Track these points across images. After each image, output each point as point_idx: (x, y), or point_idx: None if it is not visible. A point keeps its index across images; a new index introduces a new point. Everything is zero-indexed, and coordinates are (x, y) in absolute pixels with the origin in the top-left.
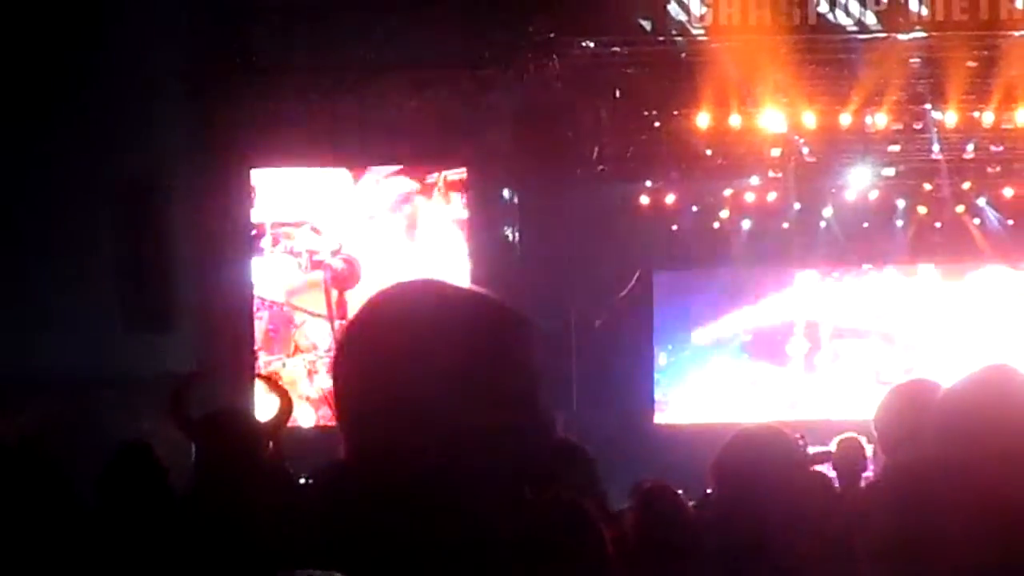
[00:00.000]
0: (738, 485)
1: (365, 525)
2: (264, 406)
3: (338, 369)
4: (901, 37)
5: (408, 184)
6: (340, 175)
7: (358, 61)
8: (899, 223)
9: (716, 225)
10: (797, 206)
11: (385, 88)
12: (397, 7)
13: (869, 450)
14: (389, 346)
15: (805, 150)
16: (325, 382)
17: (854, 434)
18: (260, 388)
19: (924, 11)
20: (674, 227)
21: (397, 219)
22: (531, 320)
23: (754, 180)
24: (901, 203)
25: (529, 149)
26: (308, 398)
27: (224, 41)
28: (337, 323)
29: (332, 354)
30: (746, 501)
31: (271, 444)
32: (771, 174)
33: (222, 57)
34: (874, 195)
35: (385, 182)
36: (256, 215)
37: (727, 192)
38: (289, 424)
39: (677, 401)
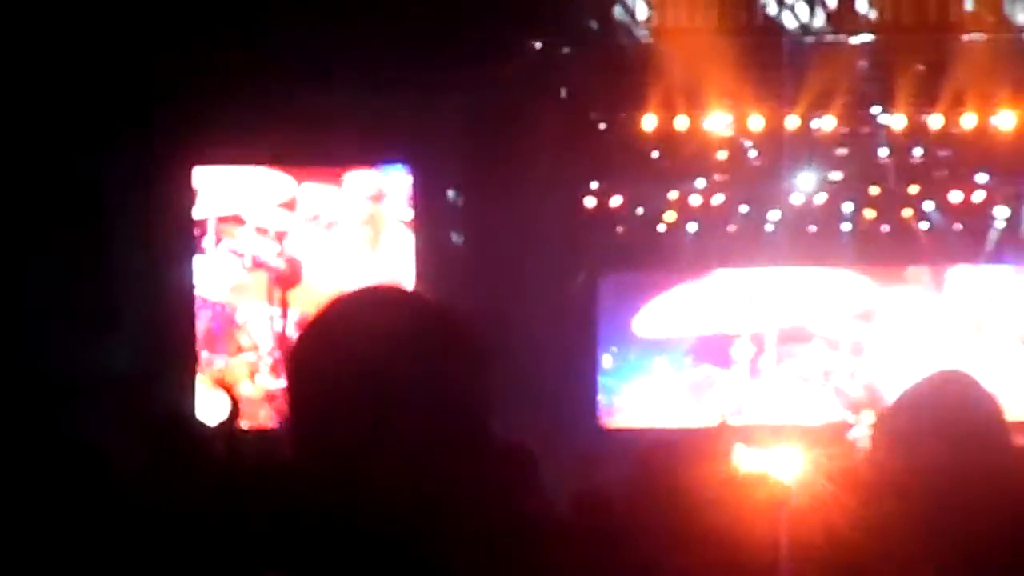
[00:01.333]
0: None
1: (319, 525)
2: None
3: (294, 372)
4: (848, 40)
5: (352, 183)
6: (283, 174)
7: (305, 60)
8: (846, 227)
9: (662, 228)
10: (743, 209)
11: (330, 87)
12: (344, 7)
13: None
14: (348, 352)
15: (752, 153)
16: (267, 382)
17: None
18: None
19: (872, 14)
20: (619, 229)
21: (340, 219)
22: (481, 328)
23: (700, 183)
24: (848, 207)
25: (475, 150)
26: (249, 398)
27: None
28: (279, 323)
29: (288, 356)
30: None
31: (224, 446)
32: (717, 177)
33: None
34: (821, 199)
35: (329, 182)
36: (198, 213)
37: (673, 195)
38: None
39: (621, 404)
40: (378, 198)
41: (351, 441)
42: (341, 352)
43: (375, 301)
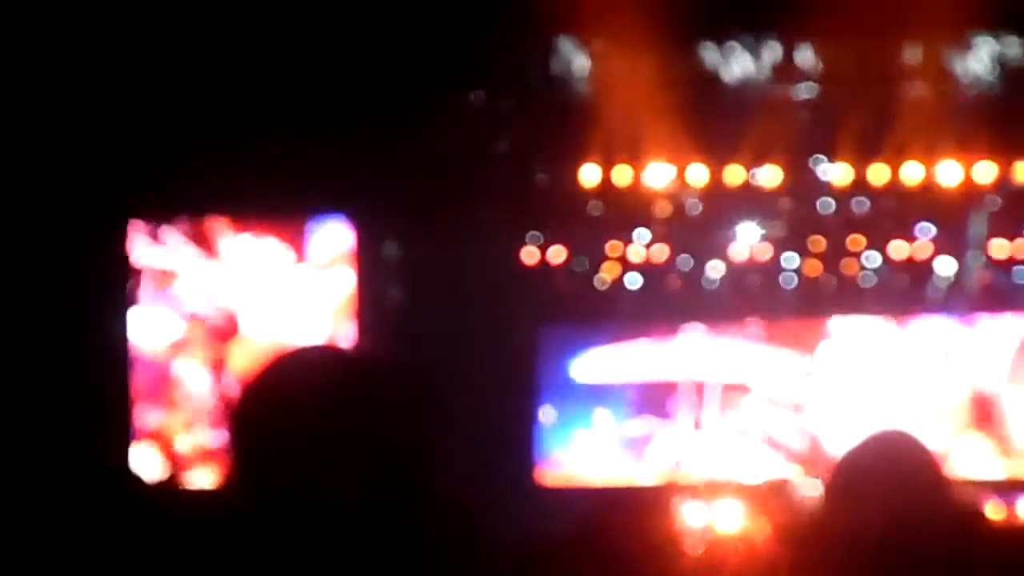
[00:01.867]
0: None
1: None
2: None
3: (237, 433)
4: (791, 91)
5: (290, 236)
6: (220, 226)
7: (241, 112)
8: (788, 279)
9: (602, 280)
10: (685, 262)
11: (267, 138)
12: (281, 57)
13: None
14: (288, 410)
15: (693, 205)
16: (203, 437)
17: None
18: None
19: (814, 65)
20: (559, 282)
21: (277, 270)
22: (421, 384)
23: (641, 236)
24: (790, 259)
25: (415, 201)
26: (185, 453)
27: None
28: (216, 376)
29: (230, 415)
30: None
31: (160, 502)
32: (658, 229)
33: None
34: (763, 251)
35: (267, 233)
36: (133, 266)
37: (614, 247)
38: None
39: (561, 458)
40: (317, 249)
41: (292, 495)
42: (282, 411)
43: (314, 360)
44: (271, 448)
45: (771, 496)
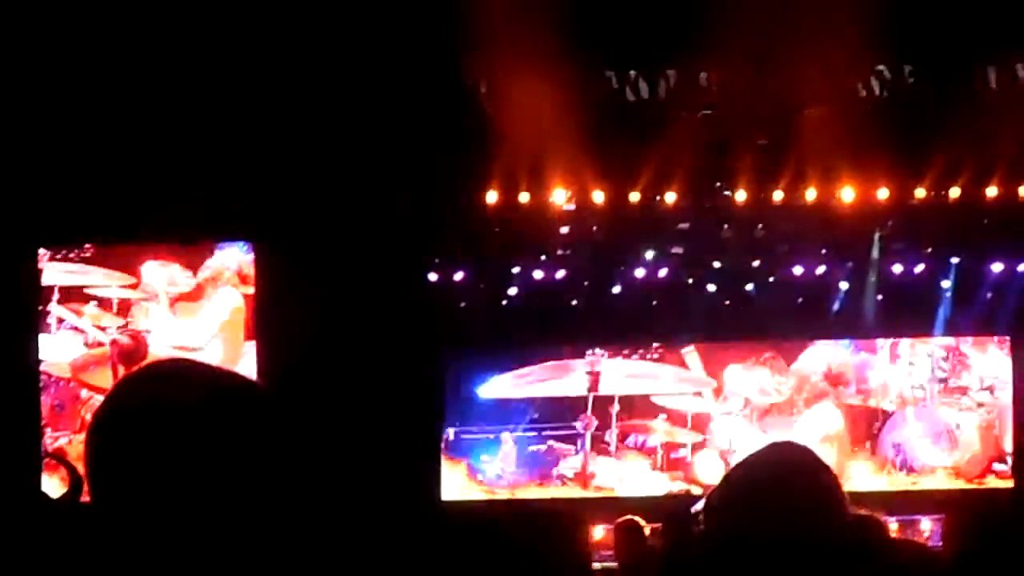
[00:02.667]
0: None
1: None
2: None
3: (89, 452)
4: (691, 116)
5: (195, 261)
6: (128, 250)
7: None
8: (689, 301)
9: (504, 303)
10: (586, 284)
11: (172, 164)
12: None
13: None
14: (138, 429)
15: (594, 228)
16: None
17: (632, 516)
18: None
19: (714, 91)
20: (463, 304)
21: (183, 295)
22: (285, 402)
23: (543, 258)
24: (691, 281)
25: (317, 226)
26: None
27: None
28: None
29: (86, 436)
30: None
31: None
32: (560, 252)
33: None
34: (663, 273)
35: (172, 258)
36: (42, 291)
37: (516, 270)
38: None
39: (464, 479)
40: (220, 274)
41: (149, 520)
42: (131, 429)
43: (165, 376)
44: (120, 471)
45: (670, 510)
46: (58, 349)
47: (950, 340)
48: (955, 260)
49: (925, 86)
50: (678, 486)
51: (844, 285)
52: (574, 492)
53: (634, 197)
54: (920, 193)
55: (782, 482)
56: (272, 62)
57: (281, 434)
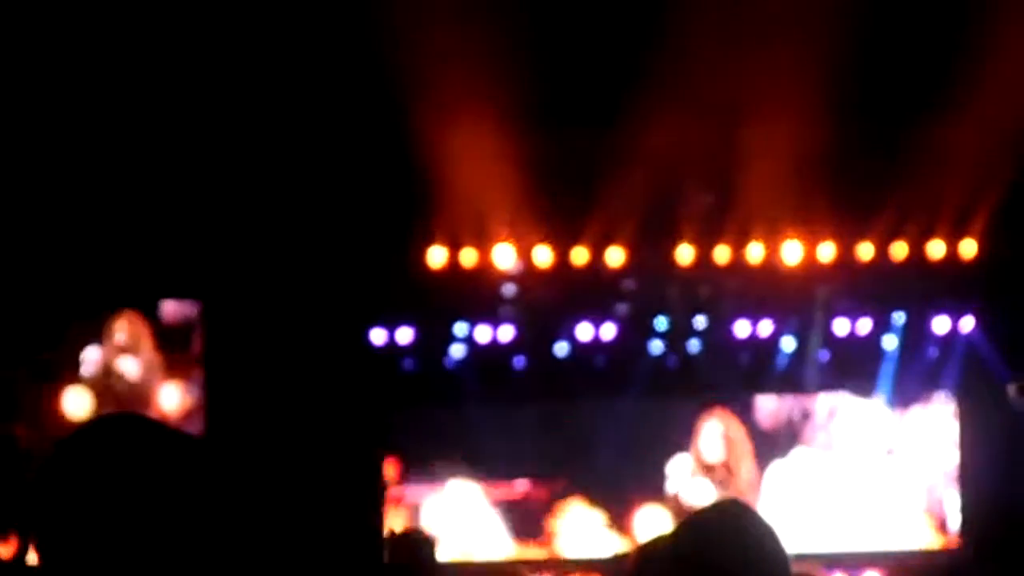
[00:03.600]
0: None
1: None
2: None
3: (32, 506)
4: (634, 174)
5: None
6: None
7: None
8: (635, 359)
9: (448, 364)
10: (531, 342)
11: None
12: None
13: None
14: (74, 483)
15: (539, 286)
16: None
17: None
18: None
19: (658, 146)
20: (407, 365)
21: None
22: (230, 457)
23: (488, 317)
24: (636, 339)
25: (263, 284)
26: None
27: None
28: None
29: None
30: None
31: None
32: (504, 311)
33: None
34: (609, 331)
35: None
36: None
37: (461, 329)
38: None
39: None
40: (165, 333)
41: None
42: (69, 485)
43: (109, 432)
44: (57, 527)
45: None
46: None
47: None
48: (900, 317)
49: (871, 141)
50: (623, 545)
51: (788, 341)
52: (528, 552)
53: (578, 255)
54: (864, 250)
55: (728, 540)
56: (217, 119)
57: (222, 489)
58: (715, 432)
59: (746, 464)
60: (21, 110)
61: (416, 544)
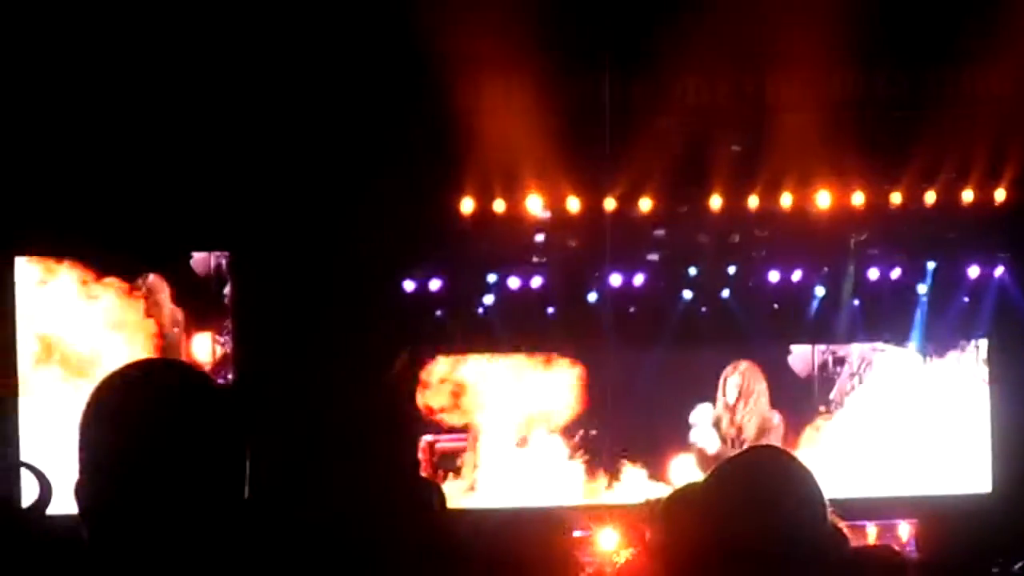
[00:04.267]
0: None
1: None
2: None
3: (80, 443)
4: (666, 122)
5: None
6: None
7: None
8: (666, 308)
9: (480, 311)
10: (563, 292)
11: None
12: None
13: None
14: (118, 422)
15: (570, 235)
16: None
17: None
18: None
19: (689, 95)
20: (438, 313)
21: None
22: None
23: (519, 266)
24: (667, 288)
25: (294, 235)
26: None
27: None
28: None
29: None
30: None
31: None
32: (536, 259)
33: None
34: (639, 280)
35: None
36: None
37: (492, 278)
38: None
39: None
40: (198, 283)
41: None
42: (113, 422)
43: (140, 374)
44: (104, 460)
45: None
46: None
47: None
48: (931, 264)
49: (902, 88)
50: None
51: (820, 291)
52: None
53: (609, 204)
54: (896, 198)
55: (761, 486)
56: (246, 70)
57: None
58: (736, 385)
59: (767, 415)
60: (50, 62)
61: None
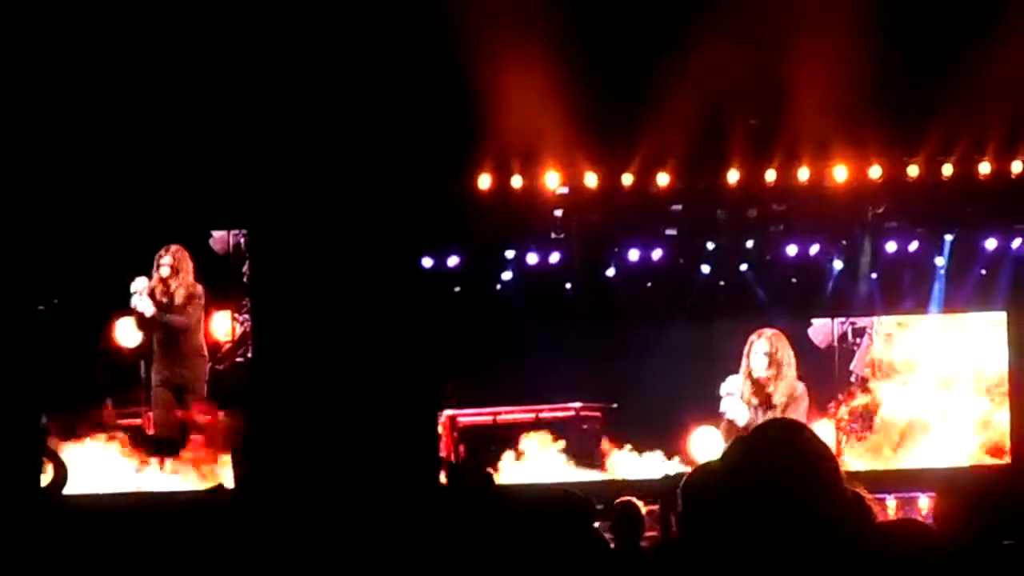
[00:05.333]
0: None
1: None
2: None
3: None
4: (684, 98)
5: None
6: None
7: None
8: (684, 283)
9: (498, 287)
10: (581, 267)
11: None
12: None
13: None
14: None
15: (588, 211)
16: None
17: (631, 498)
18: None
19: (707, 69)
20: (457, 289)
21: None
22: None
23: (537, 242)
24: (684, 262)
25: (312, 212)
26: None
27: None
28: None
29: None
30: None
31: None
32: (554, 235)
33: None
34: (657, 255)
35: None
36: None
37: (510, 254)
38: None
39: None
40: (213, 262)
41: None
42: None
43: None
44: None
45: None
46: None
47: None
48: (949, 237)
49: (918, 61)
50: (675, 467)
51: (838, 264)
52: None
53: (627, 179)
54: (913, 170)
55: (779, 458)
56: (265, 49)
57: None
58: (764, 351)
59: (794, 384)
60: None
61: (483, 471)
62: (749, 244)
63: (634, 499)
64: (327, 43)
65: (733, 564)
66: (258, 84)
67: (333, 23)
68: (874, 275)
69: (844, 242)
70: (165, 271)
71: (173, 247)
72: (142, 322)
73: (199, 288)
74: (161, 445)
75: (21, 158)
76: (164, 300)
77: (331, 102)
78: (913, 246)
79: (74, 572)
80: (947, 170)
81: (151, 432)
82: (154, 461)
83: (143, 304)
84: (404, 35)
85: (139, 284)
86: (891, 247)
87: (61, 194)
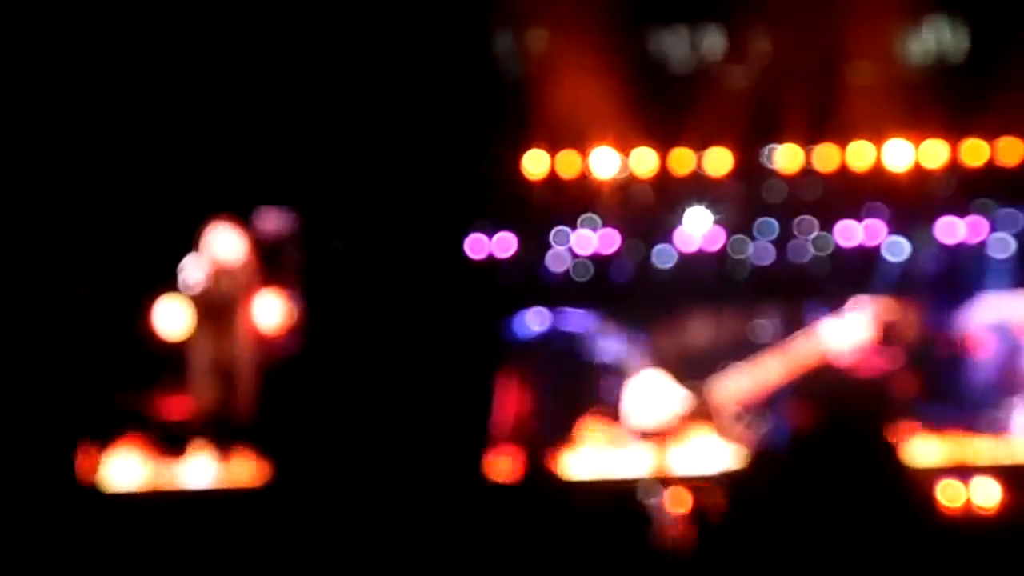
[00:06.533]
0: None
1: None
2: None
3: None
4: (737, 75)
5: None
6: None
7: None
8: (737, 265)
9: (548, 272)
10: (633, 249)
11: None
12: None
13: None
14: None
15: (639, 190)
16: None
17: None
18: None
19: (761, 47)
20: (506, 274)
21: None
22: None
23: (587, 221)
24: (739, 244)
25: (360, 194)
26: None
27: None
28: None
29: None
30: None
31: None
32: (605, 215)
33: None
34: (711, 237)
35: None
36: None
37: (560, 236)
38: None
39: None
40: (264, 242)
41: None
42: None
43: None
44: None
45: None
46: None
47: None
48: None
49: (979, 40)
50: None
51: (896, 245)
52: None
53: (679, 159)
54: (973, 151)
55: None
56: (311, 28)
57: None
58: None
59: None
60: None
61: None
62: (803, 225)
63: None
64: (380, 24)
65: None
66: (306, 63)
67: (381, 3)
68: (933, 257)
69: (903, 224)
70: (214, 251)
71: (221, 223)
72: (190, 302)
73: (251, 266)
74: (205, 433)
75: (63, 136)
76: (213, 280)
77: (380, 84)
78: (973, 228)
79: (114, 565)
80: (1009, 151)
81: (193, 420)
82: (197, 451)
83: (191, 283)
84: (449, 14)
85: (187, 262)
86: (951, 229)
87: (102, 173)
